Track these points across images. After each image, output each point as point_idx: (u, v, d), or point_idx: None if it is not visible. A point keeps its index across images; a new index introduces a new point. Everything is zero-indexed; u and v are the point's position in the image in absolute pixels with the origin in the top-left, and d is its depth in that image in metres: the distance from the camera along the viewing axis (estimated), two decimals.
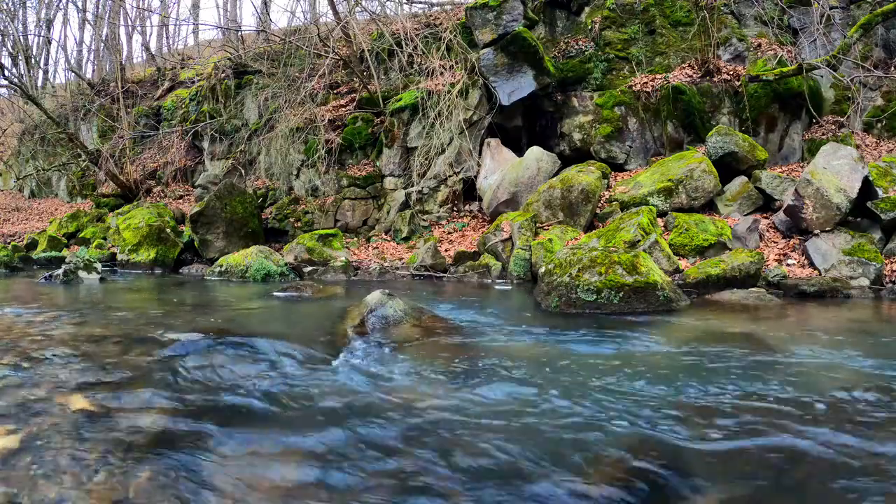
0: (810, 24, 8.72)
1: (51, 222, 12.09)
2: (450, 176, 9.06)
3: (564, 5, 9.94)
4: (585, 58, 9.42)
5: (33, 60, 17.13)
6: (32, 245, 10.66)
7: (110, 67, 16.81)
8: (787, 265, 6.13)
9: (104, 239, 10.15)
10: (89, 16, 18.13)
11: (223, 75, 12.61)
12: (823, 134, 8.40)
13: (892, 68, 8.43)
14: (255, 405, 2.34)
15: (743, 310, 4.66)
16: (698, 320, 4.19)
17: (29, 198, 16.07)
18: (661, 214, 7.11)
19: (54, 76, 21.86)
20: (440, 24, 10.12)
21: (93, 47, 19.07)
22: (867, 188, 6.31)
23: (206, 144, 12.54)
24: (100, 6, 17.69)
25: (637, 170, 8.59)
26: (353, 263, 7.88)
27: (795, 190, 6.46)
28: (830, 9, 8.58)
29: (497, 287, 6.37)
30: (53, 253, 10.05)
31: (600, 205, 7.74)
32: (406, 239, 8.82)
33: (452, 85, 9.01)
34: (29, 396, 2.30)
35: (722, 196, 7.33)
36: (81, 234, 10.91)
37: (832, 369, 2.92)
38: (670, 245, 6.41)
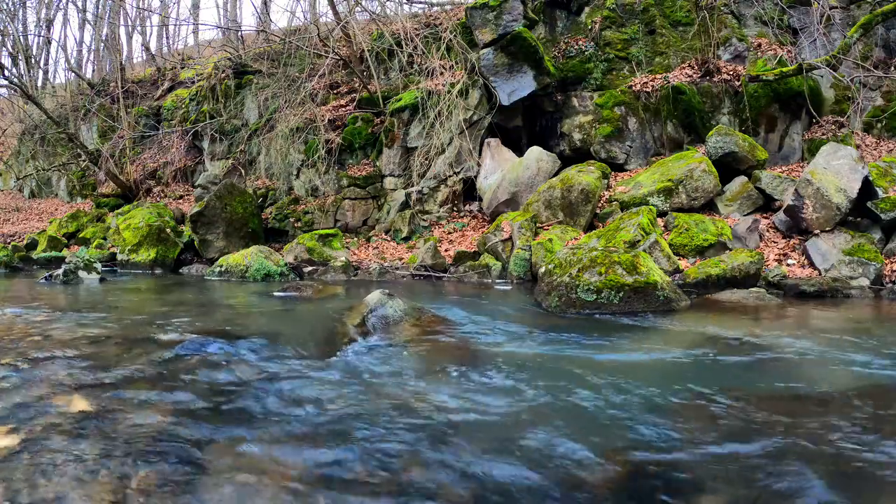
0: (810, 24, 8.72)
1: (51, 222, 12.09)
2: (450, 176, 9.05)
3: (564, 5, 9.94)
4: (585, 58, 9.42)
5: (33, 60, 17.13)
6: (32, 245, 10.66)
7: (110, 67, 16.81)
8: (787, 265, 6.13)
9: (104, 239, 10.15)
10: (89, 16, 18.14)
11: (223, 75, 12.61)
12: (823, 134, 8.40)
13: (892, 68, 8.43)
14: (254, 405, 2.34)
15: (743, 310, 4.66)
16: (698, 320, 4.19)
17: (29, 198, 16.06)
18: (661, 214, 7.11)
19: (54, 76, 21.88)
20: (440, 24, 10.12)
21: (93, 47, 19.08)
22: (867, 188, 6.31)
23: (206, 144, 12.54)
24: (100, 6, 17.70)
25: (637, 170, 8.59)
26: (353, 263, 7.88)
27: (795, 190, 6.46)
28: (830, 9, 8.58)
29: (497, 287, 6.37)
30: (53, 253, 10.05)
31: (600, 205, 7.74)
32: (406, 239, 8.82)
33: (452, 85, 9.01)
34: (29, 396, 2.30)
35: (722, 196, 7.33)
36: (81, 234, 10.91)
37: (831, 369, 2.92)
38: (670, 245, 6.41)
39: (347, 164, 10.02)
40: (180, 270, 8.62)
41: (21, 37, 15.89)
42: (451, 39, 9.51)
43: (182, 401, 2.34)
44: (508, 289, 6.22)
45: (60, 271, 6.80)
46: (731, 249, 6.27)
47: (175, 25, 19.47)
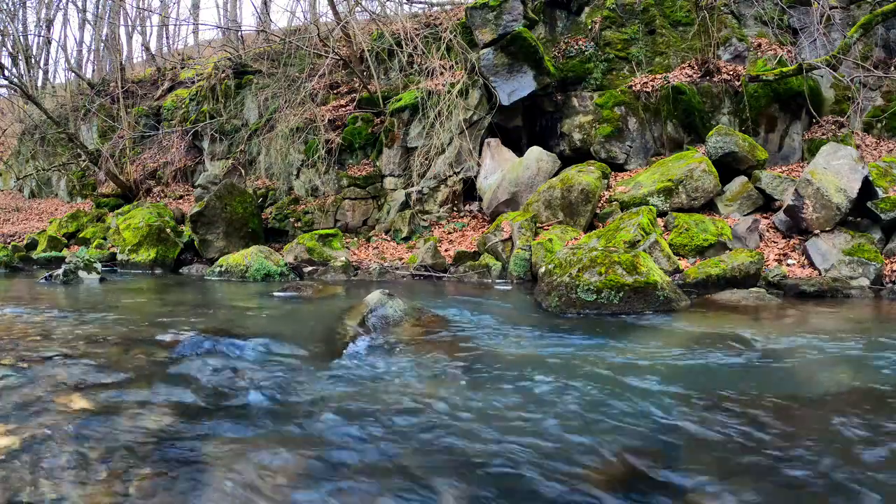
0: (810, 24, 8.72)
1: (51, 222, 12.09)
2: (450, 176, 9.05)
3: (564, 5, 9.94)
4: (585, 58, 9.42)
5: (33, 60, 17.12)
6: (32, 245, 10.66)
7: (110, 67, 16.81)
8: (787, 265, 6.13)
9: (104, 239, 10.15)
10: (89, 16, 18.13)
11: (223, 75, 12.61)
12: (823, 134, 8.40)
13: (892, 68, 8.43)
14: (254, 405, 2.34)
15: (743, 310, 4.66)
16: (698, 320, 4.19)
17: (29, 198, 16.06)
18: (661, 214, 7.11)
19: (54, 76, 21.87)
20: (440, 24, 10.12)
21: (93, 47, 19.08)
22: (867, 188, 6.31)
23: (206, 144, 12.53)
24: (100, 6, 17.69)
25: (637, 170, 8.59)
26: (353, 263, 7.88)
27: (795, 190, 6.46)
28: (830, 9, 8.58)
29: (497, 287, 6.37)
30: (53, 253, 10.05)
31: (600, 205, 7.74)
32: (406, 239, 8.82)
33: (452, 85, 9.01)
34: (29, 396, 2.29)
35: (722, 196, 7.33)
36: (81, 234, 10.91)
37: (832, 369, 2.92)
38: (670, 245, 6.41)
39: (347, 164, 10.02)
40: (180, 270, 8.62)
41: (21, 37, 15.88)
42: (451, 39, 9.51)
43: (182, 401, 2.34)
44: (508, 289, 6.22)
45: (60, 271, 6.79)
46: (731, 249, 6.27)
47: (175, 25, 19.47)
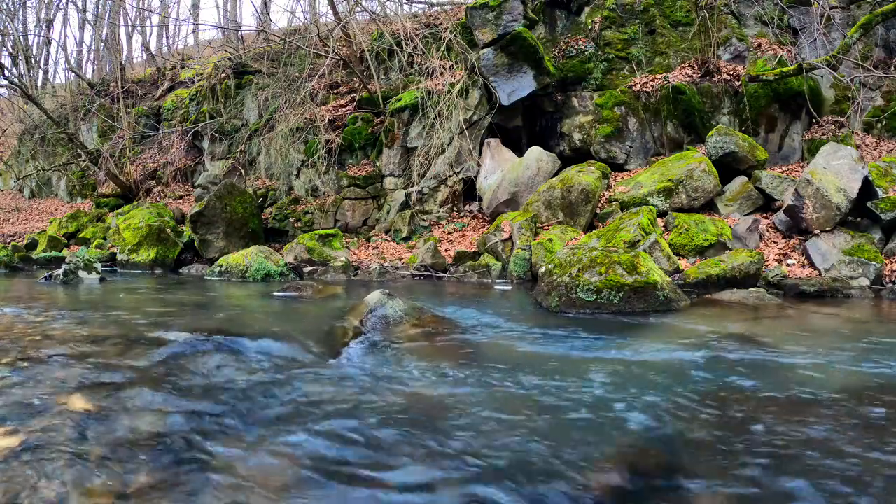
0: (810, 24, 8.72)
1: (51, 222, 12.09)
2: (450, 176, 9.05)
3: (564, 5, 9.94)
4: (585, 58, 9.42)
5: (33, 60, 17.12)
6: (32, 245, 10.66)
7: (110, 67, 16.81)
8: (787, 265, 6.13)
9: (104, 239, 10.15)
10: (89, 16, 18.14)
11: (223, 75, 12.61)
12: (823, 134, 8.40)
13: (892, 68, 8.43)
14: (254, 405, 2.34)
15: (743, 310, 4.66)
16: (698, 320, 4.19)
17: (29, 198, 16.06)
18: (661, 214, 7.11)
19: (54, 76, 21.88)
20: (440, 24, 10.12)
21: (93, 47, 19.08)
22: (867, 188, 6.31)
23: (206, 144, 12.53)
24: (100, 6, 17.70)
25: (637, 170, 8.59)
26: (353, 263, 7.88)
27: (795, 190, 6.46)
28: (830, 9, 8.58)
29: (497, 287, 6.36)
30: (53, 253, 10.05)
31: (600, 205, 7.74)
32: (406, 239, 8.82)
33: (452, 85, 9.01)
34: (29, 396, 2.29)
35: (722, 196, 7.33)
36: (81, 234, 10.91)
37: (832, 368, 2.92)
38: (670, 245, 6.41)
39: (347, 164, 10.03)
40: (180, 270, 8.62)
41: (21, 37, 15.88)
42: (451, 39, 9.51)
43: (181, 401, 2.34)
44: (508, 289, 6.22)
45: (60, 271, 6.79)
46: (731, 249, 6.27)
47: (175, 25, 19.48)
